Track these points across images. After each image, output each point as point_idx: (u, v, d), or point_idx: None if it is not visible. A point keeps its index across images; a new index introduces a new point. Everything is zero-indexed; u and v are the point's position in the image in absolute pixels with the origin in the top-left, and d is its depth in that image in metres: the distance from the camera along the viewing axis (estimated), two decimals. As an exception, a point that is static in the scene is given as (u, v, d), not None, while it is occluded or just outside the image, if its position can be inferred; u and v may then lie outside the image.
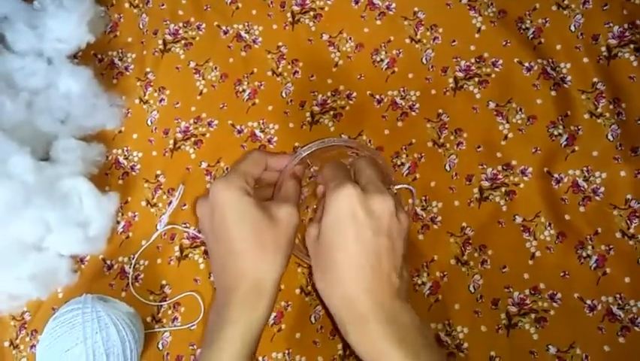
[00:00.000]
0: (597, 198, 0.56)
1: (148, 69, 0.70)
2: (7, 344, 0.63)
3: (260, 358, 0.57)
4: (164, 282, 0.62)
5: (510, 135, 0.59)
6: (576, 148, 0.57)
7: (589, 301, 0.53)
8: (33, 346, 0.62)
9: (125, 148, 0.68)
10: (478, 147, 0.60)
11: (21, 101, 0.62)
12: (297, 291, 0.59)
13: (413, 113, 0.62)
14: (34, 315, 0.64)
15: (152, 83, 0.70)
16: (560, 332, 0.53)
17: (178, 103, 0.68)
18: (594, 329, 0.52)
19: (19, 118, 0.61)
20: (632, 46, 0.58)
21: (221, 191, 0.47)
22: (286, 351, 0.57)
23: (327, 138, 0.55)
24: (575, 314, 0.53)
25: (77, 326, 0.53)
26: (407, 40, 0.65)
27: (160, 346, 0.60)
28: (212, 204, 0.48)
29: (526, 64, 0.61)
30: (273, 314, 0.58)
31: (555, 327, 0.53)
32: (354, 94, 0.64)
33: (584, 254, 0.55)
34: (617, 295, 0.53)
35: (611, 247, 0.54)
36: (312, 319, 0.58)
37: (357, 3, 0.67)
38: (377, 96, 0.64)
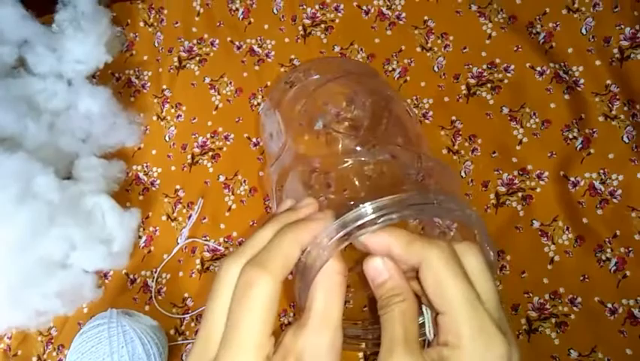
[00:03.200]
0: (615, 200, 0.56)
1: (164, 86, 0.72)
2: (34, 359, 0.65)
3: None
4: (186, 295, 0.63)
5: (525, 140, 0.59)
6: (592, 151, 0.57)
7: (609, 305, 0.53)
8: (60, 360, 0.64)
9: (145, 164, 0.69)
10: (493, 152, 0.60)
11: (43, 123, 0.64)
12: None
13: (427, 121, 0.63)
14: (61, 330, 0.65)
15: (168, 100, 0.71)
16: (581, 336, 0.53)
17: (195, 118, 0.69)
18: (615, 333, 0.52)
19: (42, 139, 0.63)
20: (644, 47, 0.58)
21: None
22: None
23: (404, 197, 0.30)
24: (596, 318, 0.53)
25: (104, 341, 0.54)
26: (418, 49, 0.65)
27: (184, 358, 0.61)
28: None
29: (539, 68, 0.61)
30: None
31: (576, 331, 0.53)
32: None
33: (604, 257, 0.54)
34: (639, 298, 0.52)
35: (630, 249, 0.54)
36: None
37: (367, 14, 0.68)
38: (390, 105, 0.64)
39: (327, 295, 0.29)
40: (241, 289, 0.27)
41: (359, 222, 0.29)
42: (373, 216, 0.29)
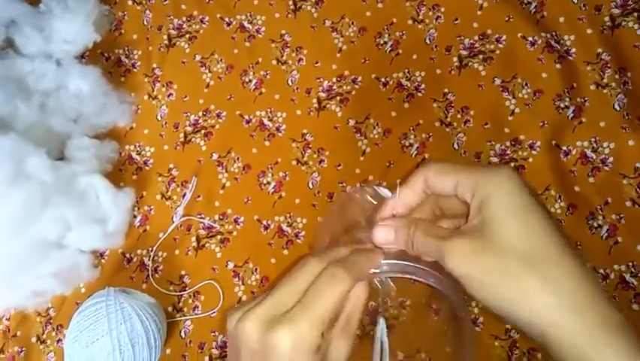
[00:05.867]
0: (606, 168, 0.56)
1: (155, 65, 0.71)
2: (34, 339, 0.65)
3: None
4: (182, 272, 0.63)
5: (517, 110, 0.60)
6: (583, 120, 0.57)
7: (602, 271, 0.54)
8: (59, 340, 0.64)
9: (138, 144, 0.69)
10: (486, 124, 0.60)
11: (34, 104, 0.63)
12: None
13: (419, 94, 0.63)
14: (59, 310, 0.65)
15: (159, 79, 0.71)
16: (574, 302, 0.54)
17: (186, 97, 0.69)
18: (608, 298, 0.53)
19: (33, 120, 0.63)
20: (635, 14, 0.58)
21: (285, 344, 0.30)
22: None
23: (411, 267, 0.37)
24: (589, 284, 0.54)
25: (102, 319, 0.55)
26: (410, 22, 0.65)
27: (182, 334, 0.61)
28: (263, 350, 0.31)
29: (530, 38, 0.61)
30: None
31: (569, 297, 0.54)
32: (360, 78, 0.65)
33: (595, 224, 0.55)
34: (630, 264, 0.53)
35: (621, 216, 0.54)
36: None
37: (357, -13, 0.67)
38: (382, 79, 0.64)
39: (350, 311, 0.35)
40: (325, 279, 0.32)
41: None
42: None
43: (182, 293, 0.63)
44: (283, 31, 0.68)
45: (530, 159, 0.58)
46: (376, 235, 0.37)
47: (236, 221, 0.64)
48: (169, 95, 0.70)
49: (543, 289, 0.29)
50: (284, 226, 0.62)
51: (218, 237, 0.64)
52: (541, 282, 0.29)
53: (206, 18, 0.71)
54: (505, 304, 0.30)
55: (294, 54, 0.67)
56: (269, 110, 0.66)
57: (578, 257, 0.30)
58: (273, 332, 0.30)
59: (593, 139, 0.57)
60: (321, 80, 0.66)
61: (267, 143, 0.65)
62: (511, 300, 0.29)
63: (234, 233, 0.63)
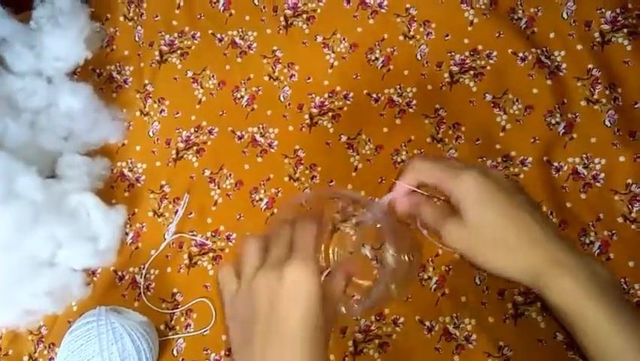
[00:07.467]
0: (597, 184, 0.56)
1: (146, 81, 0.71)
2: (25, 358, 0.65)
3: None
4: (175, 290, 0.63)
5: (508, 127, 0.60)
6: (574, 136, 0.57)
7: (594, 287, 0.54)
8: (51, 359, 0.64)
9: (129, 160, 0.69)
10: (477, 140, 0.60)
11: (24, 122, 0.63)
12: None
13: (410, 110, 0.63)
14: (51, 329, 0.65)
15: (151, 95, 0.71)
16: (567, 319, 0.54)
17: (178, 113, 0.69)
18: (600, 315, 0.53)
19: (23, 138, 0.63)
20: (625, 30, 0.58)
21: (302, 281, 0.38)
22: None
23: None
24: (581, 301, 0.54)
25: (93, 339, 0.55)
26: (401, 38, 0.65)
27: (175, 352, 0.61)
28: (283, 289, 0.38)
29: (521, 54, 0.61)
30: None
31: (562, 314, 0.54)
32: (351, 94, 0.65)
33: (587, 241, 0.55)
34: (622, 280, 0.53)
35: (613, 232, 0.54)
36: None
37: (349, 3, 0.67)
38: (374, 95, 0.64)
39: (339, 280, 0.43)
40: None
41: None
42: None
43: (174, 311, 0.62)
44: (275, 47, 0.68)
45: (522, 175, 0.58)
46: (398, 205, 0.46)
47: (228, 238, 0.63)
48: (161, 112, 0.70)
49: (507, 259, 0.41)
50: (276, 243, 0.62)
51: (211, 254, 0.63)
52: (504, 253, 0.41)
53: (198, 34, 0.71)
54: (489, 266, 0.42)
55: (285, 70, 0.67)
56: (261, 126, 0.66)
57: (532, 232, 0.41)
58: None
59: (584, 155, 0.57)
60: (313, 95, 0.66)
61: (259, 159, 0.65)
62: (493, 265, 0.42)
63: (226, 250, 0.63)
